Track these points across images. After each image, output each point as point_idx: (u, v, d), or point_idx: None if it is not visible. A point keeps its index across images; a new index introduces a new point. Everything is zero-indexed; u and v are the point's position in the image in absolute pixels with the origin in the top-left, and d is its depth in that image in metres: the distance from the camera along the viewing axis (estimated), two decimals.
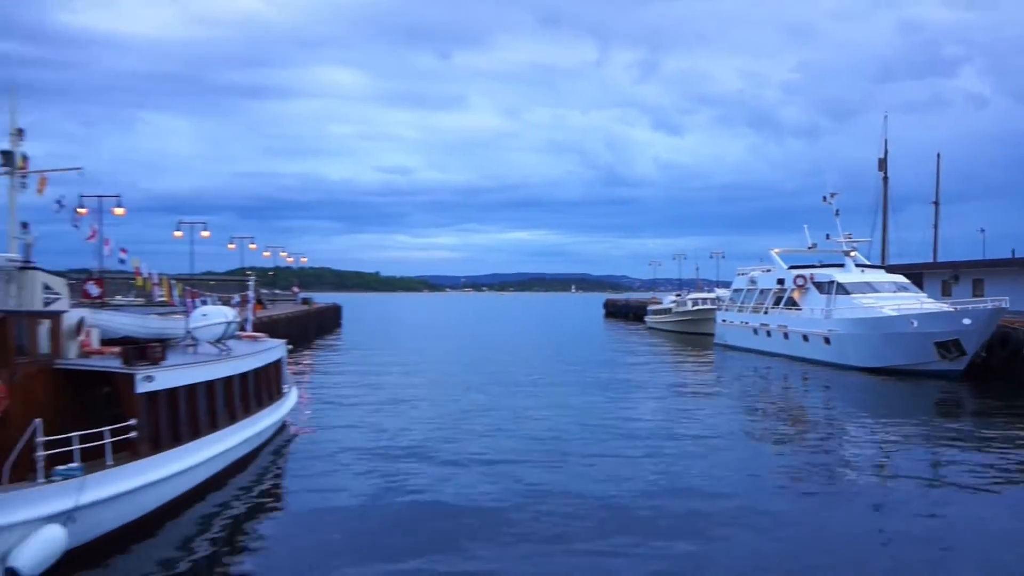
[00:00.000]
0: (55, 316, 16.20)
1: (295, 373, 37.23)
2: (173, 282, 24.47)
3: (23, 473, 13.28)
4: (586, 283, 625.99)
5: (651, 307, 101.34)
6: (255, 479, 19.91)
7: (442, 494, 18.47)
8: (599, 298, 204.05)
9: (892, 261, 72.12)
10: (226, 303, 26.08)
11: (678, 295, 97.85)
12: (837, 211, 58.62)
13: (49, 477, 12.95)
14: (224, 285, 56.10)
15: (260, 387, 23.28)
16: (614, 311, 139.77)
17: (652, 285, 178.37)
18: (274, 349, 26.10)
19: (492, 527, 15.91)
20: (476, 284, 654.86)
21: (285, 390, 26.97)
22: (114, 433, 14.48)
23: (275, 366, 25.67)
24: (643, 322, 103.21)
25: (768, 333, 57.09)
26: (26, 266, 16.41)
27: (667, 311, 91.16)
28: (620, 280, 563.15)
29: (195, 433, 17.85)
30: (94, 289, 22.41)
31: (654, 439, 24.78)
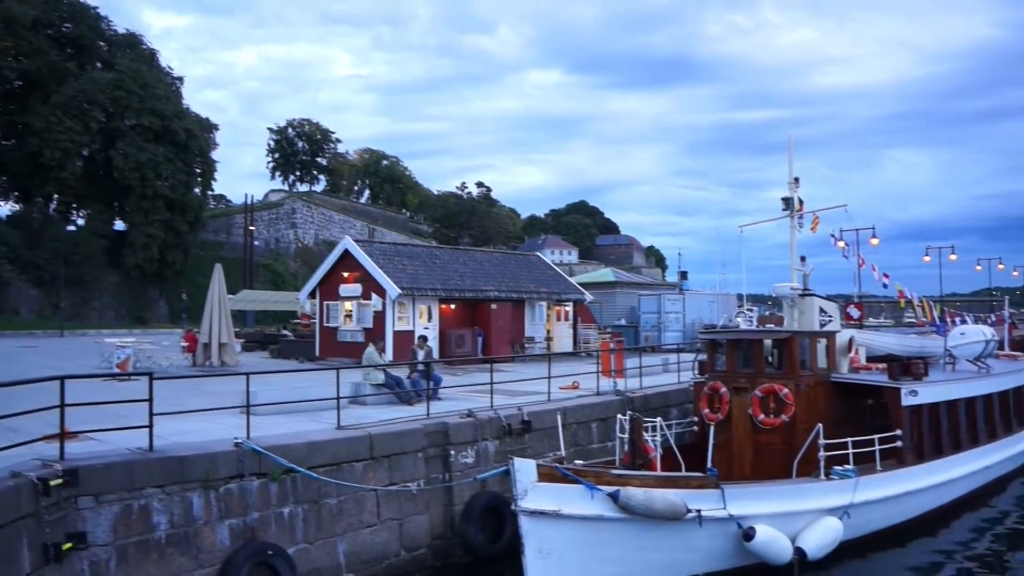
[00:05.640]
0: (830, 336, 18.58)
1: None
2: (932, 303, 25.50)
3: (807, 470, 15.62)
4: None
5: None
6: (1016, 500, 19.92)
7: None
8: None
9: None
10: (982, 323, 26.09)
11: None
12: None
13: (828, 476, 15.11)
14: (968, 306, 55.15)
15: (1021, 406, 22.91)
16: None
17: None
18: None
19: None
20: None
21: None
22: (882, 441, 16.12)
23: None
24: None
25: None
26: (806, 293, 19.27)
27: None
28: None
29: (956, 447, 18.61)
30: (855, 311, 24.53)
31: None
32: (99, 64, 72.24)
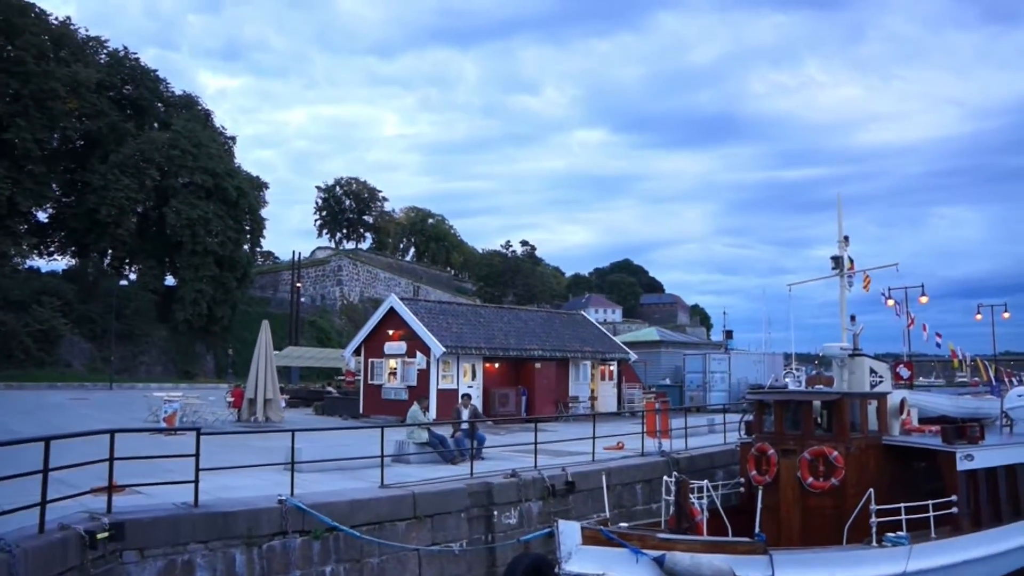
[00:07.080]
0: (881, 397, 18.21)
1: None
2: (987, 363, 24.91)
3: (858, 536, 15.15)
4: None
5: None
6: None
7: None
8: None
9: None
10: None
11: None
12: None
13: (880, 542, 14.62)
14: (1022, 364, 53.46)
15: None
16: None
17: None
18: None
19: None
20: None
21: None
22: (936, 507, 15.58)
23: None
24: None
25: None
26: (855, 353, 18.95)
27: None
28: None
29: (1016, 514, 17.97)
30: (904, 371, 24.07)
31: None
32: (156, 124, 74.34)
